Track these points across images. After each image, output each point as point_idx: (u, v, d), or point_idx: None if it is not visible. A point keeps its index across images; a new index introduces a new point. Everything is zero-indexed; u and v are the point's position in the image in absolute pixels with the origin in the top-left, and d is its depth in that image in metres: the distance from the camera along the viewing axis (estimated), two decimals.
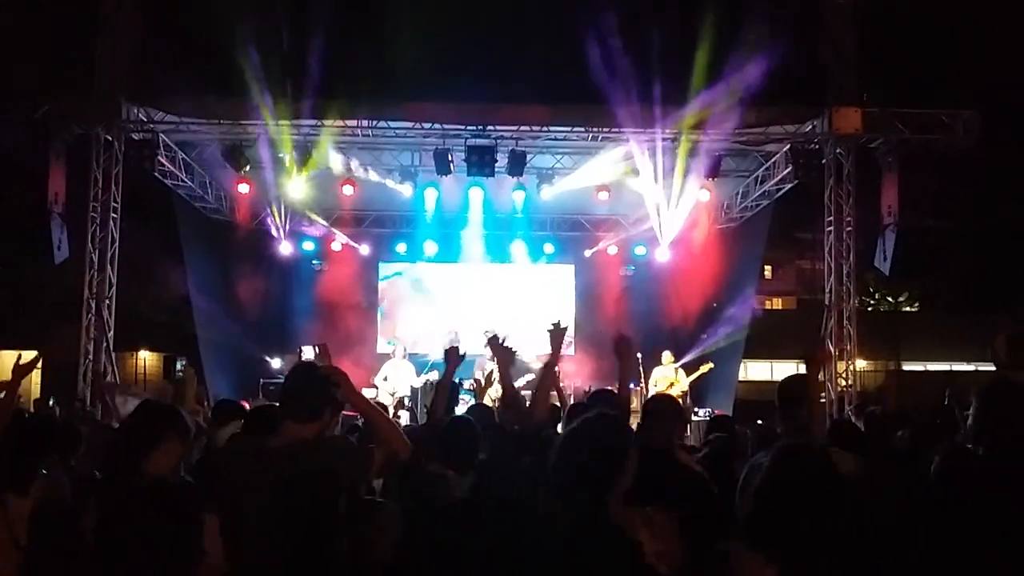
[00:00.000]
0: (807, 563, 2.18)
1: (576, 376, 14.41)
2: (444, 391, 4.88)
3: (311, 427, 3.32)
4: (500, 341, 4.70)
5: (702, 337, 15.52)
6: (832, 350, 13.30)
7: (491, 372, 6.52)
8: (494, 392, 10.23)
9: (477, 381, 11.44)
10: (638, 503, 2.83)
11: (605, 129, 13.07)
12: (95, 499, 3.21)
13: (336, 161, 14.00)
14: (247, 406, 8.66)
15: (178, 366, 13.02)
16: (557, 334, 4.61)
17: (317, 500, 3.15)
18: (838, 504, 2.28)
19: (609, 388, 6.69)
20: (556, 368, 4.53)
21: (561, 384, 7.40)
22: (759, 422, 8.56)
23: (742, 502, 2.34)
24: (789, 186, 13.95)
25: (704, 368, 13.82)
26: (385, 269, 17.82)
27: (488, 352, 11.75)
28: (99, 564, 2.20)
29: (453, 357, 4.88)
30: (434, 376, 12.35)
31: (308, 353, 13.66)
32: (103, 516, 2.19)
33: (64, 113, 12.48)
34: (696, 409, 13.90)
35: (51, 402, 12.93)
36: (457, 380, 10.86)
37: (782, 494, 2.29)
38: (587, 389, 10.08)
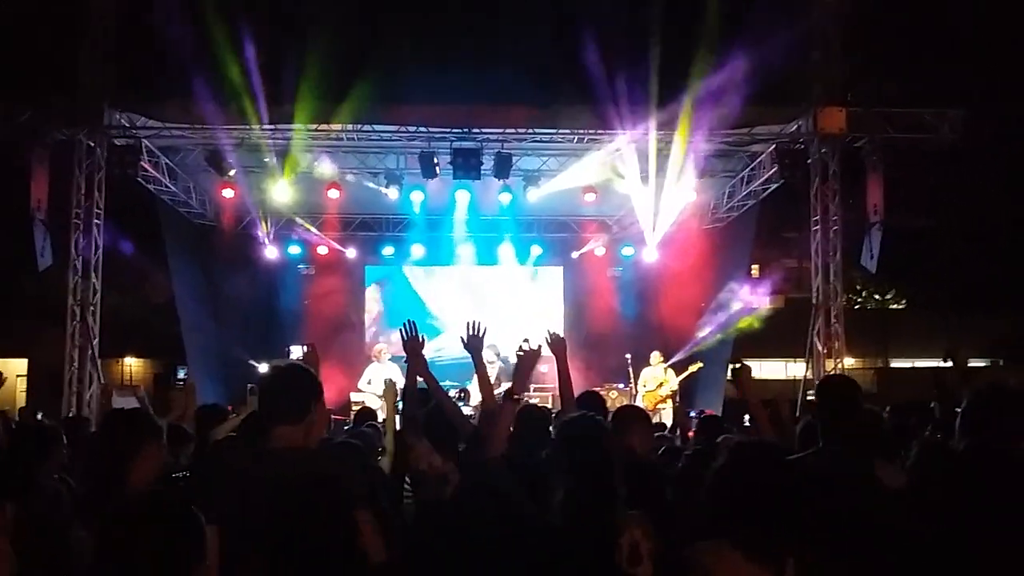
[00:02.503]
0: (777, 557, 2.21)
1: None
2: (411, 393, 4.73)
3: (302, 427, 3.23)
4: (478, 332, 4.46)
5: (691, 336, 15.52)
6: (822, 348, 13.36)
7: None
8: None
9: (464, 390, 11.39)
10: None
11: (591, 131, 13.06)
12: (84, 514, 3.16)
13: (321, 165, 13.95)
14: (230, 410, 8.64)
15: (180, 375, 13.00)
16: (529, 357, 4.12)
17: (319, 507, 3.10)
18: (794, 497, 2.31)
19: (595, 390, 6.66)
20: (519, 398, 3.90)
21: (552, 387, 7.34)
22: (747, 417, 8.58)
23: (708, 500, 2.39)
24: (775, 186, 13.97)
25: (693, 368, 13.84)
26: (372, 273, 17.77)
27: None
28: None
29: (414, 357, 4.50)
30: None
31: (296, 353, 13.58)
32: (102, 534, 2.14)
33: (46, 118, 12.39)
34: (688, 411, 13.88)
35: (39, 415, 12.80)
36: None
37: (739, 487, 2.34)
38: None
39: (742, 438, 4.23)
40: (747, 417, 5.58)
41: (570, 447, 3.27)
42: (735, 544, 2.23)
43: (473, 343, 4.46)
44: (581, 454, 3.19)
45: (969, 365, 24.12)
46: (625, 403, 10.62)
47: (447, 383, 12.01)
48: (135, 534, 2.08)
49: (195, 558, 2.14)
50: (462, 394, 11.70)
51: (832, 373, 12.67)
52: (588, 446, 3.21)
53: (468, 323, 4.47)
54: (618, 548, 2.72)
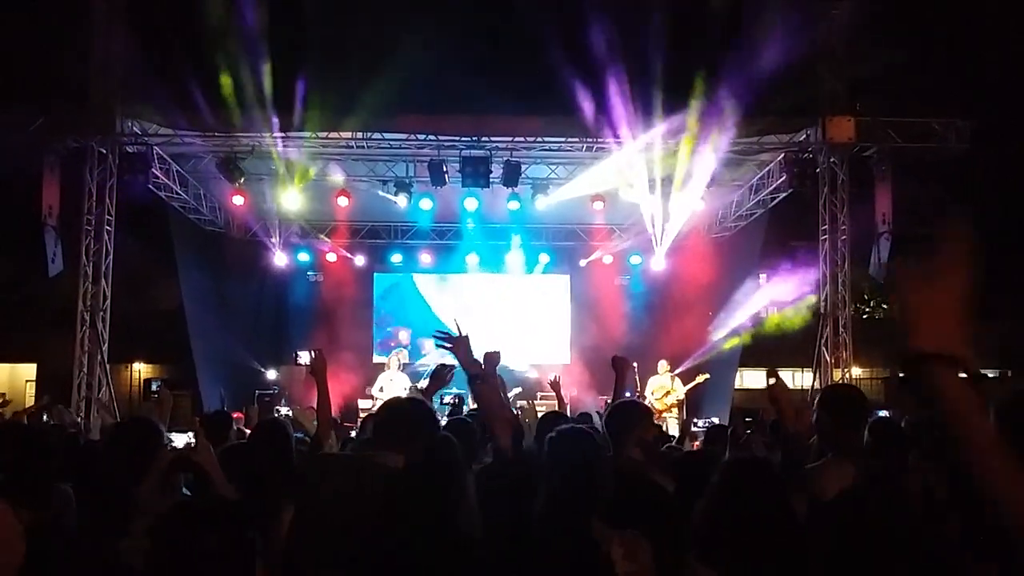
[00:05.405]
0: None
1: (572, 386, 14.38)
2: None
3: (403, 453, 3.45)
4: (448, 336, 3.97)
5: (699, 345, 15.50)
6: (829, 358, 13.34)
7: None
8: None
9: (459, 396, 11.32)
10: (615, 525, 2.81)
11: (599, 140, 13.08)
12: (96, 523, 3.19)
13: (331, 172, 14.02)
14: (239, 417, 8.67)
15: (154, 387, 13.07)
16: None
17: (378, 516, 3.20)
18: (781, 517, 2.25)
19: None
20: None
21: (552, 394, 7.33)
22: (747, 419, 8.56)
23: (696, 517, 2.33)
24: (784, 195, 13.98)
25: (700, 378, 13.78)
26: (380, 280, 17.82)
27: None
28: None
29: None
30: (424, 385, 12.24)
31: (304, 358, 13.61)
32: (161, 540, 2.17)
33: (59, 126, 12.47)
34: (696, 420, 13.84)
35: (45, 418, 12.83)
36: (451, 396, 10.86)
37: (728, 508, 2.27)
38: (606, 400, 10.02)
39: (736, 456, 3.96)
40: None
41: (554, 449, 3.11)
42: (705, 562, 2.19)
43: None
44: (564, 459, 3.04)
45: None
46: None
47: (445, 390, 12.05)
48: (195, 544, 2.09)
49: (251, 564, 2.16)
50: (456, 400, 11.54)
51: (837, 382, 12.62)
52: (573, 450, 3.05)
53: (453, 319, 4.05)
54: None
